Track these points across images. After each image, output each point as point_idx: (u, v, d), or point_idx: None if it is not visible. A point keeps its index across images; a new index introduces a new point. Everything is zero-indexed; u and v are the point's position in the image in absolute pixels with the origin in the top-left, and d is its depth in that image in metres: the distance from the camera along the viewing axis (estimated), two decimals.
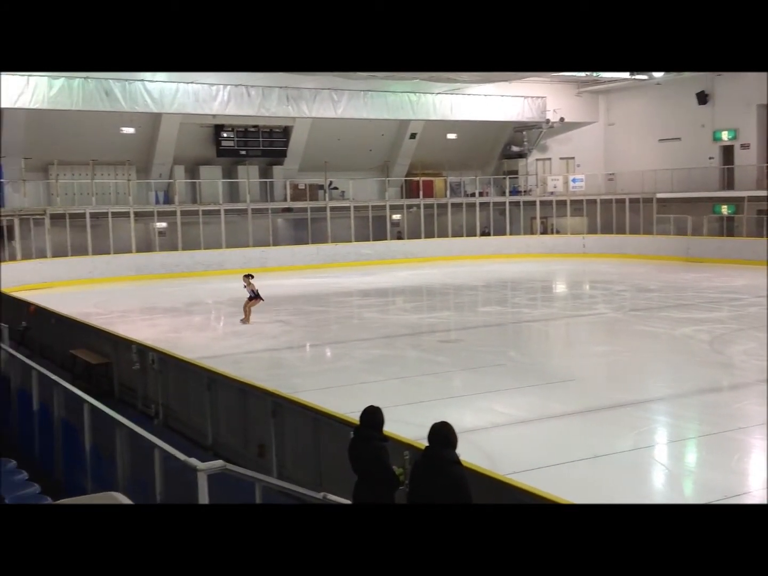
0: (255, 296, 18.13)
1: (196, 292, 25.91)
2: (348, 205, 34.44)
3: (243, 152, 33.00)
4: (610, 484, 8.02)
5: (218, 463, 5.60)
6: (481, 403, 11.14)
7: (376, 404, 6.02)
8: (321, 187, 34.50)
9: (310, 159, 34.03)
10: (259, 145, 33.19)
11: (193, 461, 5.53)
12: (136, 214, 30.63)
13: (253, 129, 32.92)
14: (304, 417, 7.82)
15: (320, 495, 5.47)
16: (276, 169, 34.10)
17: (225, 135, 32.56)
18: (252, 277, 18.41)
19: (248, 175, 32.88)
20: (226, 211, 32.16)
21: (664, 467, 8.77)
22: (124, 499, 3.90)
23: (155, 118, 30.59)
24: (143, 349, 11.19)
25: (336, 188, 34.89)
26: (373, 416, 5.89)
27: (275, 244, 33.41)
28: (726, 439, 9.39)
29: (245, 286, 18.34)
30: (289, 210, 34.32)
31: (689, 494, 7.98)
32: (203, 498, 5.34)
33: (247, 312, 18.23)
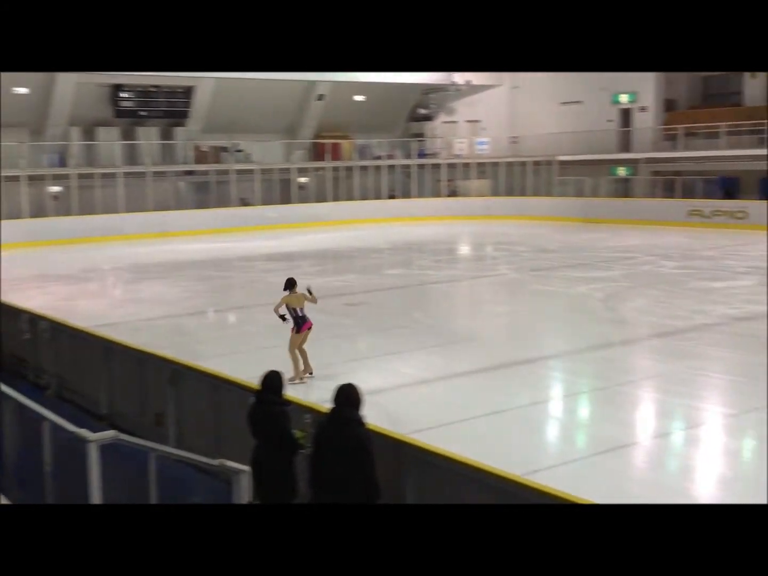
0: (300, 322, 10.14)
1: (92, 258, 25.11)
2: (253, 168, 33.88)
3: (143, 113, 31.95)
4: (507, 438, 8.24)
5: (110, 433, 5.48)
6: (385, 364, 11.25)
7: (280, 369, 6.01)
8: (225, 149, 33.78)
9: (214, 121, 33.23)
10: (159, 105, 32.17)
11: (84, 432, 5.39)
12: (29, 177, 29.33)
13: (153, 89, 31.85)
14: (203, 384, 7.73)
15: (216, 462, 5.43)
16: (178, 130, 33.16)
17: (123, 95, 31.41)
18: (294, 286, 10.27)
19: (148, 137, 31.86)
20: (125, 174, 31.14)
21: (558, 421, 9.08)
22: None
23: (50, 78, 29.18)
24: (34, 318, 10.80)
25: (241, 150, 34.24)
26: (272, 380, 5.88)
27: (177, 208, 32.59)
28: (617, 393, 9.79)
29: (285, 312, 10.26)
30: (191, 173, 33.53)
31: (581, 446, 8.29)
32: (95, 468, 5.23)
33: (296, 355, 10.17)
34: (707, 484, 7.20)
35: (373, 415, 5.61)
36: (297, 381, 9.80)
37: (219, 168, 33.44)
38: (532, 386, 10.27)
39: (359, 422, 5.18)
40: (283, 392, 5.87)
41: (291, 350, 10.06)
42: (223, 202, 33.39)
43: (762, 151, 30.76)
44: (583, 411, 9.65)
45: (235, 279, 20.96)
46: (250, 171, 33.84)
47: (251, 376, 7.27)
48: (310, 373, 10.14)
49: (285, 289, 10.19)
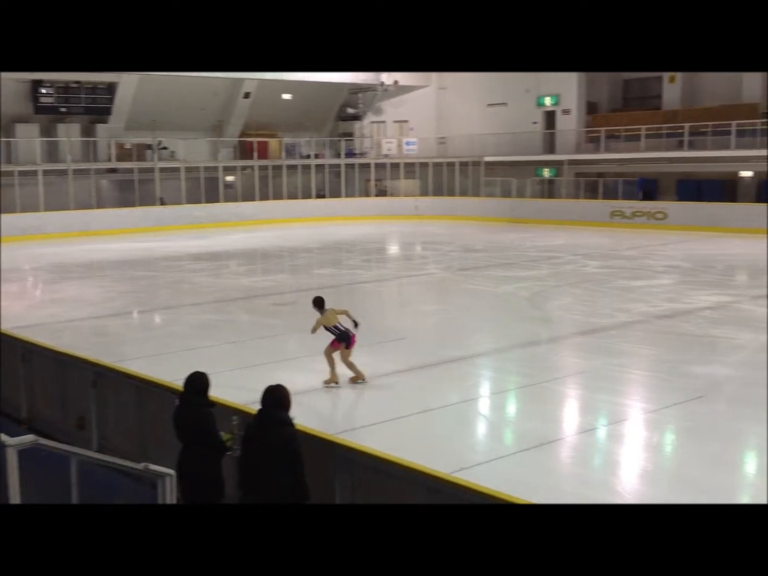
0: (346, 337, 9.89)
1: (12, 258, 24.27)
2: (178, 165, 33.30)
3: (63, 109, 31.05)
4: (437, 436, 8.28)
5: (29, 437, 5.28)
6: (314, 364, 11.14)
7: (207, 370, 5.90)
8: (149, 146, 33.10)
9: (137, 117, 32.53)
10: (81, 101, 31.33)
11: (2, 437, 5.19)
12: None
13: (74, 85, 31.00)
14: (126, 386, 7.54)
15: (141, 465, 5.30)
16: (100, 127, 32.35)
17: (44, 91, 30.49)
18: (323, 305, 10.13)
19: (69, 134, 31.01)
20: (45, 171, 30.23)
21: (486, 418, 9.19)
22: None
23: None
24: None
25: (165, 148, 33.61)
26: (197, 382, 5.77)
27: (99, 206, 31.81)
28: (542, 390, 9.95)
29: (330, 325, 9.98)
30: (114, 171, 32.75)
31: (509, 443, 8.40)
32: (13, 474, 5.04)
33: (332, 361, 10.01)
34: (630, 479, 7.37)
35: (302, 416, 5.57)
36: (333, 385, 9.93)
37: (142, 166, 32.74)
38: (460, 384, 10.36)
39: (287, 423, 5.14)
40: (208, 393, 5.77)
41: (345, 361, 9.91)
42: (147, 200, 32.71)
43: (680, 154, 31.78)
44: (511, 408, 9.79)
45: (160, 279, 20.55)
46: (176, 169, 33.25)
47: (176, 378, 7.14)
48: (363, 379, 10.02)
49: (316, 307, 10.11)
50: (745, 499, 6.94)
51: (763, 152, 29.72)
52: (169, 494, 4.96)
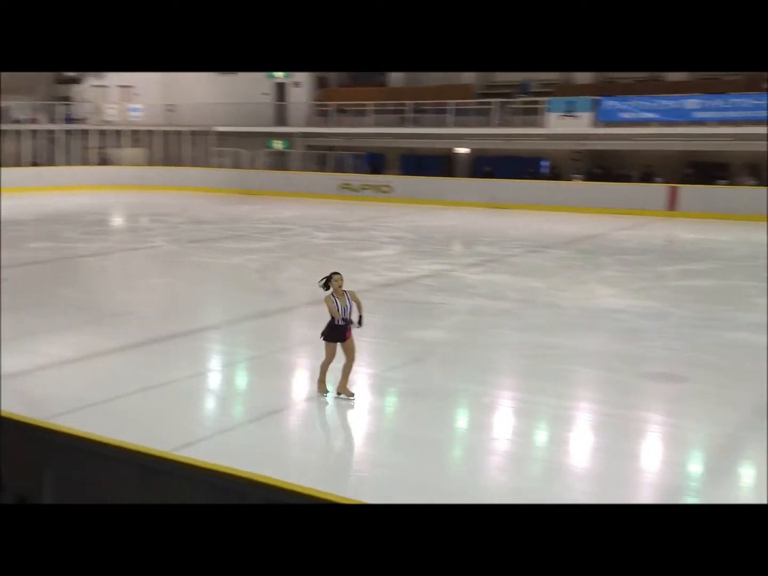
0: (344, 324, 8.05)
1: None
2: None
3: None
4: (161, 413, 7.99)
5: None
6: (26, 346, 10.30)
7: None
8: None
9: None
10: None
11: None
12: None
13: None
14: None
15: None
16: None
17: None
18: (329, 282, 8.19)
19: None
20: None
21: (213, 392, 9.05)
22: None
23: None
24: None
25: None
26: None
27: None
28: (272, 360, 10.00)
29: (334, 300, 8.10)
30: None
31: (237, 415, 8.33)
32: None
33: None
34: (356, 441, 7.63)
35: (8, 402, 5.08)
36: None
37: None
38: (188, 359, 10.10)
39: None
40: None
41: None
42: None
43: (403, 130, 33.34)
44: (239, 380, 9.72)
45: None
46: None
47: None
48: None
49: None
50: (457, 452, 7.46)
51: (477, 130, 32.07)
52: None
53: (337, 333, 7.99)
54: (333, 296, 8.04)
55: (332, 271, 8.27)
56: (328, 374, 8.17)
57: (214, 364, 10.30)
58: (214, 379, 9.60)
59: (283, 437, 7.63)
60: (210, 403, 8.77)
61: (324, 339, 8.03)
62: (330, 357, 8.05)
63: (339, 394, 8.18)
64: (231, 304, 13.54)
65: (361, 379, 9.32)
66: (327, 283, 8.12)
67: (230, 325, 11.95)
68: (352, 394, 8.17)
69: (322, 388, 8.19)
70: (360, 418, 8.17)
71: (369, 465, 6.86)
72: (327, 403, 8.16)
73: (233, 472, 3.51)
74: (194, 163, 36.02)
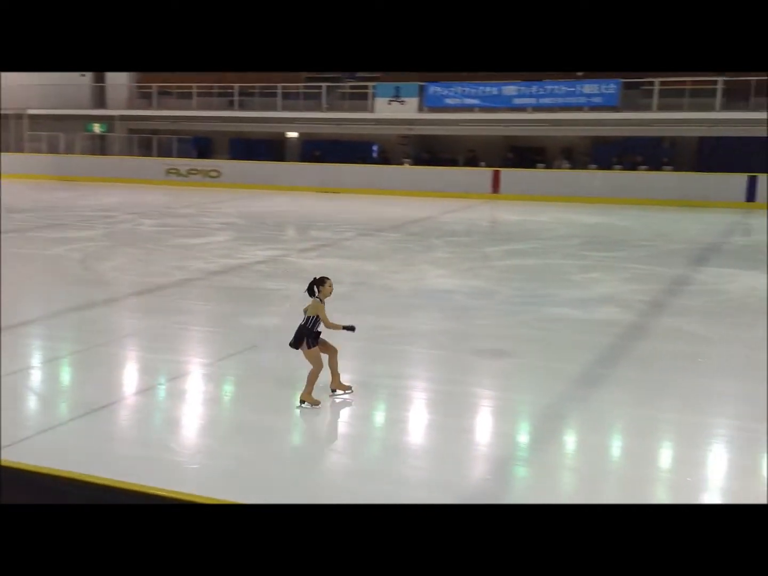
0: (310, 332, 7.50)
1: None
2: None
3: None
4: None
5: None
6: None
7: None
8: None
9: None
10: None
11: None
12: None
13: None
14: None
15: None
16: None
17: None
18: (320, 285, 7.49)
19: None
20: None
21: (33, 390, 8.50)
22: None
23: None
24: None
25: None
26: None
27: None
28: (97, 354, 9.53)
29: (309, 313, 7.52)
30: None
31: (60, 413, 7.86)
32: None
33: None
34: (188, 433, 7.41)
35: None
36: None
37: None
38: (7, 356, 9.38)
39: None
40: None
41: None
42: None
43: (231, 113, 32.71)
44: (63, 376, 9.18)
45: None
46: None
47: None
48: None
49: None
50: (296, 437, 7.41)
51: (306, 114, 31.97)
52: None
53: (317, 339, 7.49)
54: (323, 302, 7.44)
55: (319, 275, 7.60)
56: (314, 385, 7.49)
57: (35, 361, 9.67)
58: (36, 377, 9.01)
59: (112, 432, 7.27)
60: (31, 402, 8.22)
61: (308, 349, 7.44)
62: (319, 365, 7.47)
63: (334, 391, 7.74)
64: (52, 296, 12.79)
65: (194, 369, 9.09)
66: (314, 289, 7.44)
67: (52, 319, 11.28)
68: (350, 387, 7.82)
69: (313, 400, 7.50)
70: (193, 409, 7.94)
71: (204, 457, 6.68)
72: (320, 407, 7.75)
73: (54, 473, 3.28)
74: (7, 149, 33.64)
